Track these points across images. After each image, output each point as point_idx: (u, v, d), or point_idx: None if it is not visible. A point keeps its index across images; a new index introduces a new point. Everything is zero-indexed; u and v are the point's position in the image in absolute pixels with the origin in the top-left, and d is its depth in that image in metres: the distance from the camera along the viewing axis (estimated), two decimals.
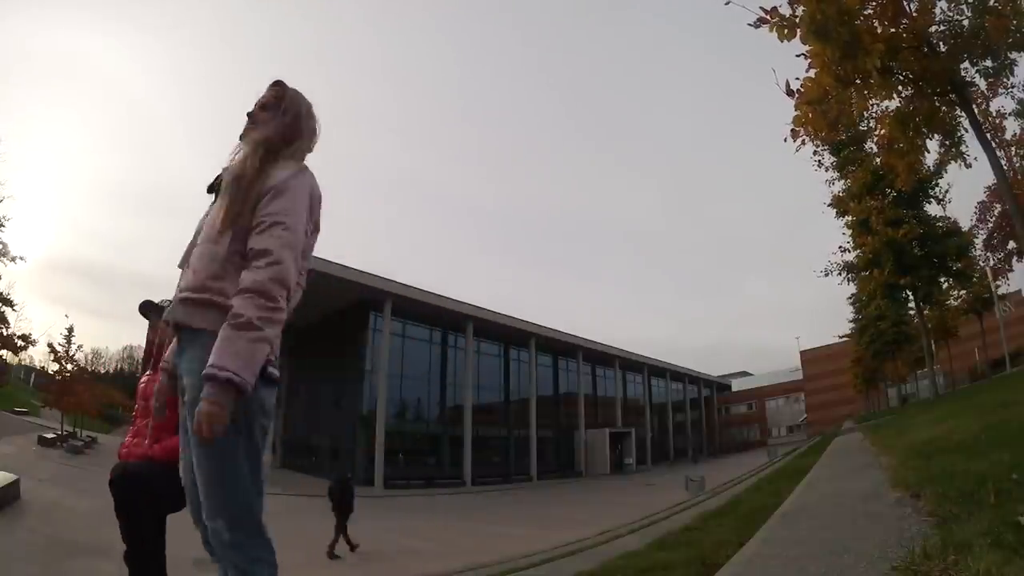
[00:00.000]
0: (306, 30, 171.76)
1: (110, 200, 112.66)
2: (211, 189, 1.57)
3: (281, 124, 1.55)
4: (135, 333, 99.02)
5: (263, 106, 1.60)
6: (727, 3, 5.90)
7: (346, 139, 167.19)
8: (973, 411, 8.25)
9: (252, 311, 1.27)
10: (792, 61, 6.52)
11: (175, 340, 1.53)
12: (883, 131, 8.12)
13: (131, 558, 2.25)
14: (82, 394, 23.30)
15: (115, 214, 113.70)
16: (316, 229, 1.56)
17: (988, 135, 8.29)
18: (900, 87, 7.26)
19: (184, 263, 1.52)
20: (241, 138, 1.56)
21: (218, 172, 1.55)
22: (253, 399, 1.32)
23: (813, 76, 6.45)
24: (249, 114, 1.61)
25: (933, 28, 7.30)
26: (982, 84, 8.07)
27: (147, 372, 2.54)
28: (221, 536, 1.35)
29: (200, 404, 1.23)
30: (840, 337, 36.29)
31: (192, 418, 1.27)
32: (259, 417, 1.37)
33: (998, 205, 20.76)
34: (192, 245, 1.52)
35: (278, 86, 1.63)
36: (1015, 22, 6.95)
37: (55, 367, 23.38)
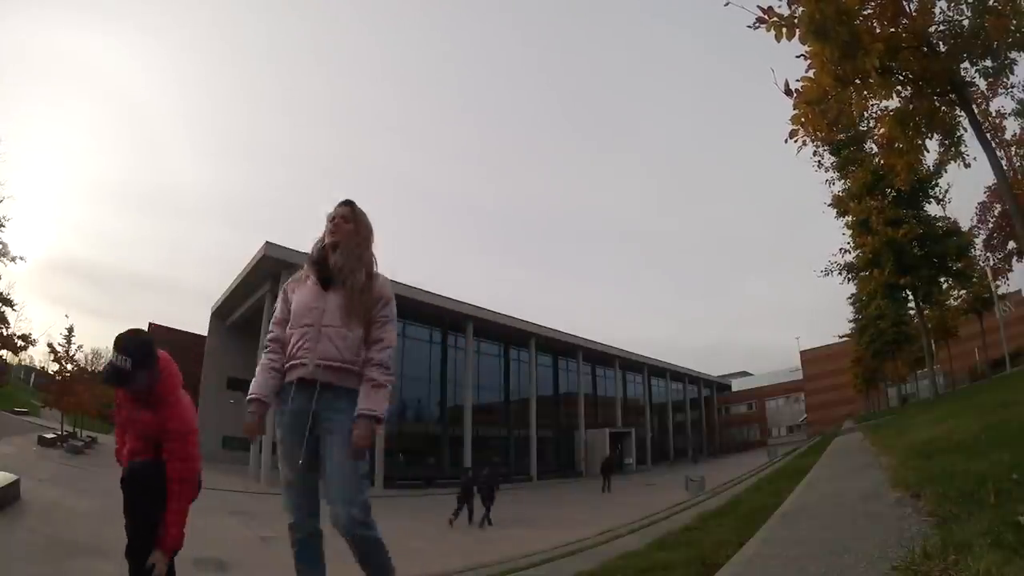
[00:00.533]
0: (303, 29, 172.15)
1: (110, 200, 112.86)
2: (317, 266, 2.17)
3: (365, 242, 2.21)
4: None
5: (344, 218, 2.20)
6: (727, 4, 5.90)
7: (346, 138, 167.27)
8: (973, 411, 8.25)
9: (382, 377, 2.06)
10: (790, 60, 6.52)
11: (319, 390, 2.05)
12: (883, 131, 8.12)
13: (134, 553, 2.36)
14: (82, 394, 23.29)
15: (115, 214, 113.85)
16: None
17: (988, 135, 8.29)
18: (900, 87, 7.25)
19: (302, 326, 2.12)
20: (334, 248, 2.15)
21: (315, 243, 2.23)
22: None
23: (812, 76, 6.44)
24: (332, 219, 2.21)
25: (933, 28, 7.30)
26: (982, 84, 8.07)
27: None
28: (356, 517, 1.96)
29: (356, 432, 1.96)
30: (840, 337, 36.35)
31: (335, 443, 1.99)
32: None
33: (998, 205, 20.76)
34: (298, 318, 2.13)
35: (349, 206, 2.24)
36: (1015, 22, 6.95)
37: (55, 367, 23.37)
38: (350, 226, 2.20)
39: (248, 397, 2.11)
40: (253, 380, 2.12)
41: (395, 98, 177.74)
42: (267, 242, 21.09)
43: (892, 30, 6.93)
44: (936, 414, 10.82)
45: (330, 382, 2.05)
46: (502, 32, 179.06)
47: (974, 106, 7.78)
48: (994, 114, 9.21)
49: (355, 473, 2.01)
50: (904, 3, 7.05)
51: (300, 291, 2.19)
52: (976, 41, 7.13)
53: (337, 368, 2.05)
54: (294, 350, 2.08)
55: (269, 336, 2.23)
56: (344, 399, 2.04)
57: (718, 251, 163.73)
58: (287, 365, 2.10)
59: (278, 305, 2.27)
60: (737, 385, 61.36)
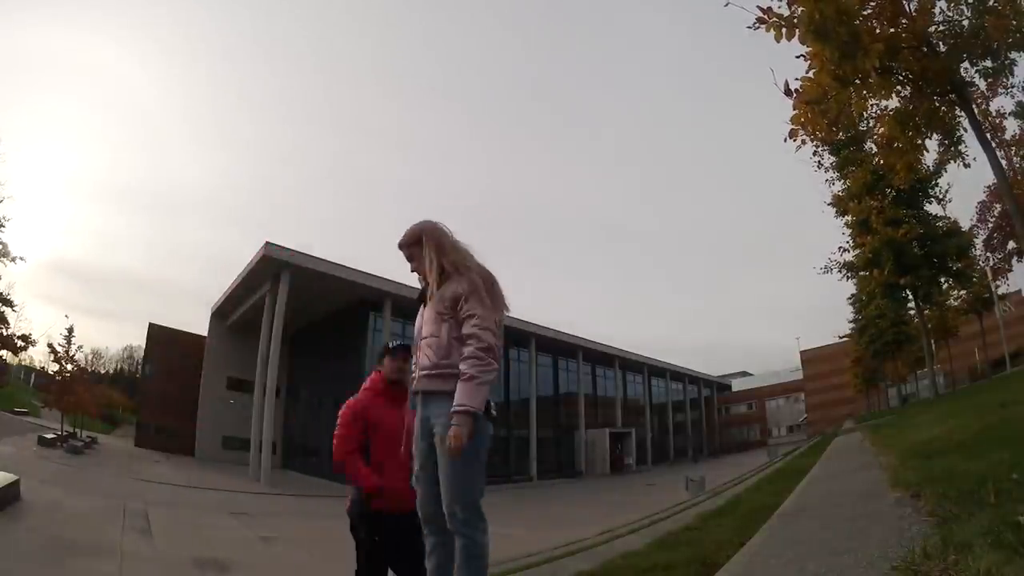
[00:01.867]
0: (303, 31, 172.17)
1: (110, 201, 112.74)
2: (420, 294, 2.35)
3: (432, 251, 2.29)
4: (135, 333, 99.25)
5: (407, 256, 2.36)
6: (727, 4, 5.90)
7: (346, 141, 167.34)
8: (973, 411, 8.26)
9: (470, 370, 2.00)
10: (788, 58, 6.53)
11: (420, 401, 2.20)
12: (883, 131, 8.12)
13: None
14: (82, 394, 23.32)
15: (116, 215, 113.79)
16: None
17: (988, 135, 8.29)
18: (900, 87, 7.25)
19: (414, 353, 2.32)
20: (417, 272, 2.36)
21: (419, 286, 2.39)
22: (479, 426, 2.01)
23: (812, 76, 6.44)
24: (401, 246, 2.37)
25: (933, 28, 7.31)
26: (982, 84, 8.07)
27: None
28: (457, 516, 2.01)
29: (451, 430, 1.94)
30: (840, 337, 36.37)
31: (442, 445, 2.01)
32: (484, 439, 2.09)
33: (998, 205, 20.76)
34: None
35: (401, 246, 2.38)
36: (1015, 22, 6.95)
37: (55, 367, 23.40)
38: (409, 252, 2.36)
39: None
40: None
41: (394, 97, 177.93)
42: (267, 242, 21.08)
43: (892, 30, 6.94)
44: (936, 414, 10.82)
45: (429, 389, 2.16)
46: (502, 32, 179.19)
47: (974, 106, 7.78)
48: (994, 114, 9.20)
49: (456, 470, 2.02)
50: (904, 3, 7.06)
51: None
52: (976, 41, 7.13)
53: (432, 375, 2.14)
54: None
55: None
56: (444, 402, 2.05)
57: (719, 251, 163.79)
58: None
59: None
60: (737, 385, 61.31)
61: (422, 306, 2.32)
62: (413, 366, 2.27)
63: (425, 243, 2.29)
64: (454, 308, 2.14)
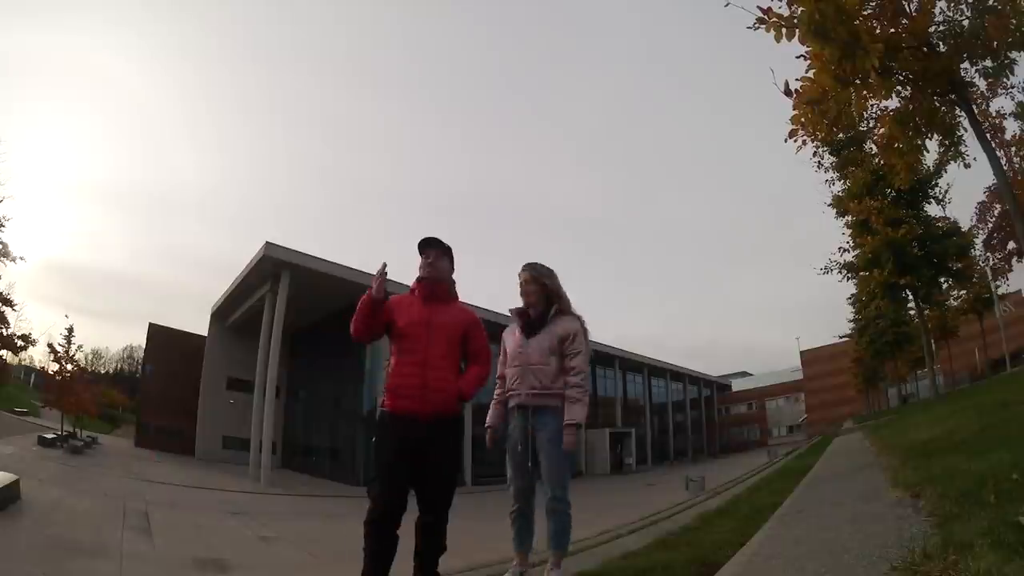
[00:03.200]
0: (302, 31, 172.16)
1: (110, 201, 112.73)
2: (528, 325, 2.83)
3: (553, 292, 2.87)
4: (135, 333, 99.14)
5: (527, 282, 2.89)
6: (727, 4, 5.90)
7: (345, 141, 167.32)
8: (973, 411, 8.25)
9: (578, 395, 2.70)
10: (786, 57, 6.52)
11: (531, 414, 2.76)
12: (883, 131, 8.12)
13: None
14: (82, 394, 23.28)
15: (115, 215, 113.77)
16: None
17: (988, 135, 8.28)
18: (900, 87, 7.25)
19: (514, 366, 2.85)
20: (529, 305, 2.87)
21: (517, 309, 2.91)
22: (580, 435, 2.74)
23: (812, 76, 6.44)
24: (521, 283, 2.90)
25: (933, 28, 7.30)
26: (982, 84, 8.05)
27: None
28: (558, 495, 2.70)
29: (565, 438, 2.64)
30: (840, 337, 36.32)
31: (552, 445, 2.67)
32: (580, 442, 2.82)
33: (998, 205, 20.77)
34: (508, 358, 2.93)
35: (543, 275, 2.88)
36: (1015, 22, 6.95)
37: (55, 367, 23.35)
38: (535, 287, 2.84)
39: None
40: None
41: (392, 97, 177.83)
42: (267, 242, 21.06)
43: (892, 30, 6.94)
44: (936, 414, 10.82)
45: (538, 404, 2.76)
46: (500, 33, 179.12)
47: (974, 106, 7.78)
48: (994, 114, 9.17)
49: (565, 464, 2.74)
50: (904, 3, 7.06)
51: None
52: (976, 41, 7.13)
53: (541, 394, 2.74)
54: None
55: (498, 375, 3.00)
56: (549, 415, 2.73)
57: (719, 251, 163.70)
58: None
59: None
60: (737, 385, 61.28)
61: (518, 330, 2.83)
62: (516, 383, 2.79)
63: (548, 284, 2.81)
64: (563, 343, 2.73)
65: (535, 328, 2.78)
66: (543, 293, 2.80)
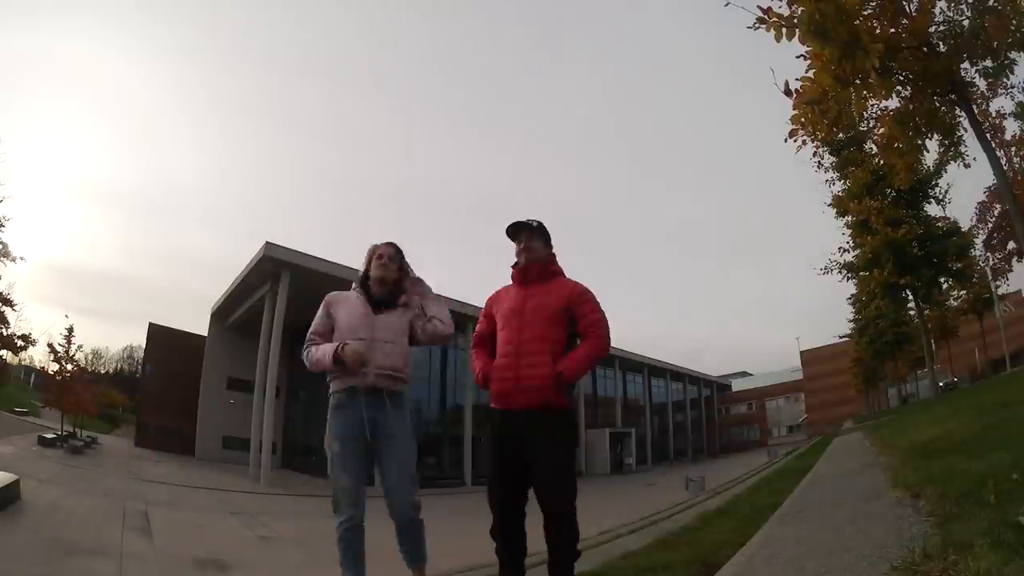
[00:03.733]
0: (302, 33, 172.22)
1: (110, 202, 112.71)
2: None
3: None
4: (135, 333, 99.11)
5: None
6: (727, 4, 5.90)
7: (345, 141, 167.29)
8: (973, 411, 8.25)
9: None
10: (785, 56, 6.52)
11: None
12: (883, 131, 8.12)
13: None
14: (82, 394, 23.29)
15: (115, 215, 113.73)
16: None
17: (988, 135, 8.28)
18: (900, 87, 7.24)
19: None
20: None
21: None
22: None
23: (812, 76, 6.43)
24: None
25: (933, 28, 7.30)
26: (982, 84, 8.05)
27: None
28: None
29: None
30: (840, 337, 36.34)
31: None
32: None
33: (998, 205, 20.77)
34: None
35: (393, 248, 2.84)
36: (1015, 22, 6.95)
37: (55, 367, 23.35)
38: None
39: None
40: None
41: (393, 97, 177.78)
42: (267, 242, 21.06)
43: (892, 30, 6.93)
44: (936, 414, 10.82)
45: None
46: (502, 26, 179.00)
47: (974, 106, 7.77)
48: (994, 114, 9.17)
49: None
50: (904, 3, 7.05)
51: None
52: (976, 41, 7.13)
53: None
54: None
55: None
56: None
57: (719, 251, 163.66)
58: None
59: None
60: (737, 385, 61.27)
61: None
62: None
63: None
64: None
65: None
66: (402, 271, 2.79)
